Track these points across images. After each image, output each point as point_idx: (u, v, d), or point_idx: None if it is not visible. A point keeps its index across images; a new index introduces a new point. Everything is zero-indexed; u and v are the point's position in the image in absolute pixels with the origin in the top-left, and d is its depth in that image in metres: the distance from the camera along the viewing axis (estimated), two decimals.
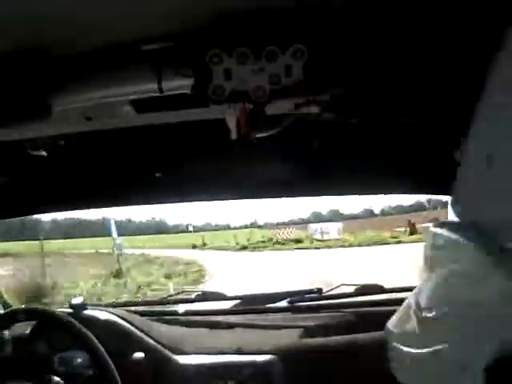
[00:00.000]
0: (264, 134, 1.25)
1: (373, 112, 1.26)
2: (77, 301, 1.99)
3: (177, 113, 1.40)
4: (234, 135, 1.21)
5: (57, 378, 1.76)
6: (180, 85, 1.21)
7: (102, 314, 1.94)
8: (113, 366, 1.70)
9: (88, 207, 2.16)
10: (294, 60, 1.13)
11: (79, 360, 1.79)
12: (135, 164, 1.77)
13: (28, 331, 1.81)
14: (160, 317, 2.07)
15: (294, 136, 1.33)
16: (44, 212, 2.36)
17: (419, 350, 0.75)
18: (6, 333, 1.91)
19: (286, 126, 1.26)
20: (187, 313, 2.13)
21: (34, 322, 1.81)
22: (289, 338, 1.85)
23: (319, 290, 2.06)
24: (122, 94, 1.28)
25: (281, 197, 1.97)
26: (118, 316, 1.93)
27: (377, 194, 1.97)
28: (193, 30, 1.13)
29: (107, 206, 2.13)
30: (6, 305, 2.16)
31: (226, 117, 1.19)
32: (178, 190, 1.87)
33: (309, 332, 1.88)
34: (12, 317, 1.85)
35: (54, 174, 1.80)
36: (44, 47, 1.16)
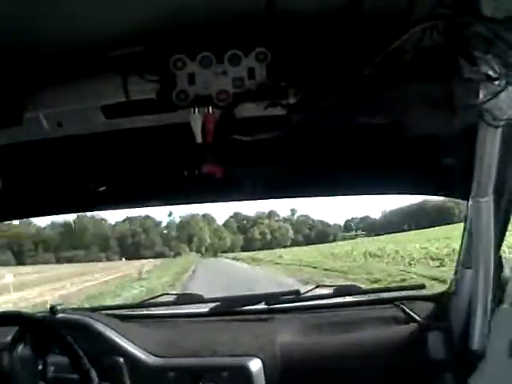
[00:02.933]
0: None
1: (341, 114, 1.26)
2: (56, 305, 1.99)
3: (145, 118, 1.40)
4: (198, 139, 1.21)
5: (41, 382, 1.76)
6: (146, 90, 1.22)
7: (81, 319, 1.93)
8: (91, 369, 1.70)
9: (77, 211, 2.17)
10: (257, 63, 1.14)
11: (62, 364, 1.79)
12: (118, 167, 1.78)
13: (10, 336, 1.80)
14: (139, 320, 2.07)
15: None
16: (29, 216, 2.36)
17: None
18: None
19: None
20: (166, 316, 2.13)
21: (15, 328, 1.81)
22: (267, 339, 1.85)
23: (296, 292, 2.06)
24: (90, 99, 1.29)
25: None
26: (97, 320, 1.93)
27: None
28: (158, 35, 1.14)
29: (87, 210, 2.13)
30: None
31: (191, 121, 1.20)
32: (160, 193, 1.88)
33: (286, 333, 1.88)
34: None
35: (43, 178, 1.80)
36: (11, 55, 1.16)
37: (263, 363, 1.78)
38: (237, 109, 1.19)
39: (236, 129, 1.25)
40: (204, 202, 2.05)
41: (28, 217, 2.31)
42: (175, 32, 1.13)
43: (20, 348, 1.82)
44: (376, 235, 33.55)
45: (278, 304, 2.03)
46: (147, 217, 39.17)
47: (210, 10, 1.06)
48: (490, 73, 1.07)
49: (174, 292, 2.18)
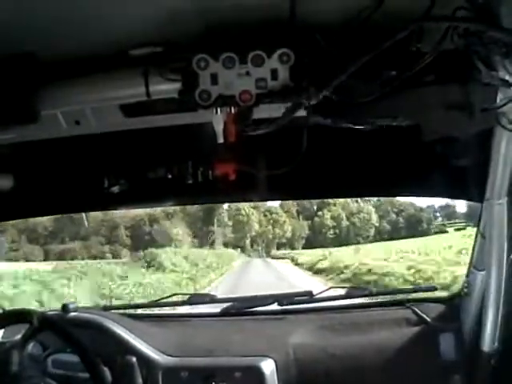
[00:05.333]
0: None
1: (360, 115, 1.27)
2: (69, 303, 2.00)
3: (165, 117, 1.41)
4: (220, 139, 1.22)
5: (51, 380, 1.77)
6: (167, 89, 1.22)
7: (94, 317, 1.94)
8: (103, 368, 1.71)
9: (88, 210, 2.18)
10: (280, 64, 1.14)
11: (72, 362, 1.80)
12: (131, 166, 1.79)
13: (21, 334, 1.81)
14: (151, 319, 2.08)
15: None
16: (43, 215, 2.37)
17: None
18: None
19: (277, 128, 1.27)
20: (178, 315, 2.14)
21: (26, 325, 1.82)
22: (279, 339, 1.86)
23: (309, 293, 2.07)
24: (110, 98, 1.30)
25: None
26: (109, 319, 1.94)
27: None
28: (181, 35, 1.15)
29: (100, 210, 2.14)
30: None
31: (213, 121, 1.21)
32: (173, 193, 1.88)
33: (299, 334, 1.89)
34: (3, 319, 1.85)
35: (52, 177, 1.81)
36: (31, 51, 1.17)
37: (276, 363, 1.79)
38: (256, 109, 1.20)
39: (254, 129, 1.25)
40: (215, 202, 2.07)
41: (40, 215, 2.31)
42: (198, 32, 1.14)
43: (30, 346, 1.84)
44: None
45: (290, 305, 2.04)
46: None
47: (234, 10, 1.08)
48: (507, 78, 1.08)
49: (185, 292, 2.18)
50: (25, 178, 1.77)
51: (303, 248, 26.51)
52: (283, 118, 1.19)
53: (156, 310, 2.24)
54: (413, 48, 1.16)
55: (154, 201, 2.00)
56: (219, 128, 1.21)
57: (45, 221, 24.72)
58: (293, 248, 26.41)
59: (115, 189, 1.83)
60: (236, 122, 1.19)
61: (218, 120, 1.20)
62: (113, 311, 2.09)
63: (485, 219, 1.63)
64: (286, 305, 2.04)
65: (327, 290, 2.11)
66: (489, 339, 1.67)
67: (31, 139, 1.56)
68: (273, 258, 23.91)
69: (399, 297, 2.09)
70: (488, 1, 1.01)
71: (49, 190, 1.86)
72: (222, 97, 1.15)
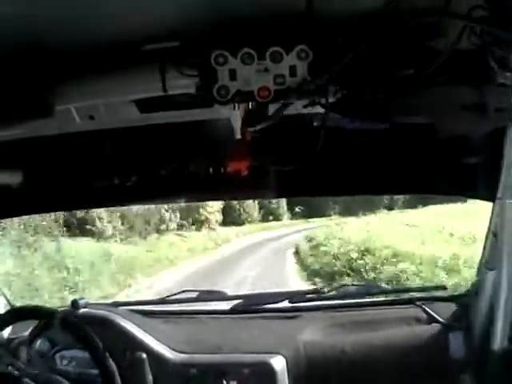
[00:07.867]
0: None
1: (376, 113, 1.27)
2: (78, 299, 2.00)
3: (180, 113, 1.42)
4: (237, 135, 1.23)
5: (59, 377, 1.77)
6: (184, 84, 1.22)
7: (104, 313, 1.95)
8: (113, 365, 1.71)
9: (99, 206, 2.18)
10: (298, 60, 1.14)
11: (81, 358, 1.80)
12: (142, 163, 1.79)
13: (29, 330, 1.82)
14: (161, 316, 2.08)
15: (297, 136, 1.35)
16: (53, 210, 2.37)
17: None
18: (8, 332, 1.92)
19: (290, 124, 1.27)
20: (188, 312, 2.14)
21: (35, 321, 1.82)
22: (290, 337, 1.87)
23: (320, 291, 2.08)
24: (126, 93, 1.30)
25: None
26: (120, 315, 1.94)
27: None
28: (198, 30, 1.15)
29: (111, 206, 2.15)
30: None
31: (231, 117, 1.21)
32: (185, 189, 1.89)
33: (310, 331, 1.89)
34: (13, 316, 1.86)
35: (60, 172, 1.82)
36: (46, 46, 1.18)
37: (286, 360, 1.79)
38: (274, 106, 1.20)
39: (271, 126, 1.25)
40: (228, 199, 2.07)
41: (51, 211, 2.33)
42: (216, 27, 1.14)
43: (39, 342, 1.84)
44: None
45: (301, 302, 2.04)
46: None
47: (251, 6, 1.08)
48: None
49: (196, 289, 2.18)
50: (36, 173, 1.78)
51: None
52: (299, 115, 1.20)
53: (166, 307, 2.24)
54: (429, 46, 1.17)
55: (166, 197, 2.01)
56: (237, 124, 1.22)
57: None
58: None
59: (128, 184, 1.83)
60: (253, 119, 1.20)
61: (235, 116, 1.21)
62: (122, 307, 2.10)
63: (496, 218, 1.63)
64: (297, 302, 2.04)
65: (338, 287, 2.11)
66: (499, 338, 1.67)
67: (44, 134, 1.57)
68: None
69: (410, 295, 2.09)
70: (504, 0, 1.01)
71: (60, 186, 1.87)
72: (240, 93, 1.15)
